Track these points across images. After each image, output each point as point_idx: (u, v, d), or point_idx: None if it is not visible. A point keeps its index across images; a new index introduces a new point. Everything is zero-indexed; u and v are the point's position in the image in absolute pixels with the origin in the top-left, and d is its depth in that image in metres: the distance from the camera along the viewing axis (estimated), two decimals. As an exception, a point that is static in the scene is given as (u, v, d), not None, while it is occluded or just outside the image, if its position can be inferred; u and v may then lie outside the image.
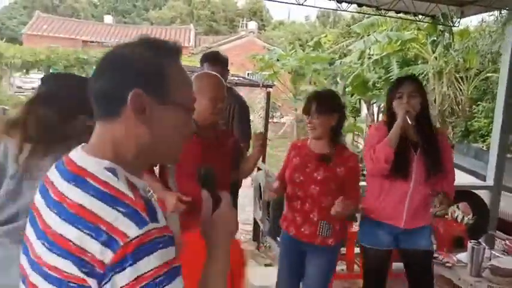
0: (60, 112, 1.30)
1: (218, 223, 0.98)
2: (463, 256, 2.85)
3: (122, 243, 0.74)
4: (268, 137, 7.26)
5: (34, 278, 0.83)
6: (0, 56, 15.58)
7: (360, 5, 5.33)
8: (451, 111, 9.06)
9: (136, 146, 0.87)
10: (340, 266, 3.91)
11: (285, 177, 2.50)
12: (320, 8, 5.94)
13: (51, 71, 16.81)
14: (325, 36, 13.78)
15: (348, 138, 11.09)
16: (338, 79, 10.44)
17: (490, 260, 2.81)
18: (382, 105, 10.34)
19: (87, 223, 0.76)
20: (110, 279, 0.74)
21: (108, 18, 30.70)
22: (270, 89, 6.55)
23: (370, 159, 2.32)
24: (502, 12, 6.18)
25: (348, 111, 10.22)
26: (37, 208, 0.88)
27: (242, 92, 6.78)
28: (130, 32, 27.22)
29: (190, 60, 18.34)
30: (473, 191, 4.92)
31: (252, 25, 27.78)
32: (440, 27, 6.34)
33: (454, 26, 5.64)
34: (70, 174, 0.84)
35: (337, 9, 5.26)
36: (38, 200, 0.88)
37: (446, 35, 7.17)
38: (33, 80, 20.17)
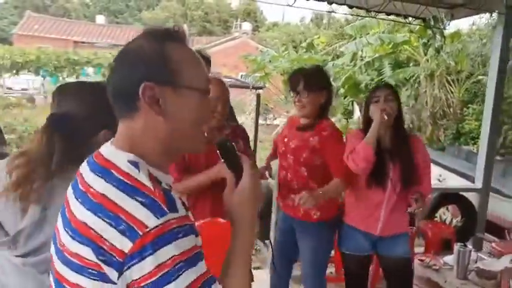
0: (78, 134, 1.19)
1: (237, 200, 0.95)
2: (449, 259, 2.85)
3: (140, 233, 0.75)
4: (260, 139, 7.23)
5: (58, 265, 0.86)
6: (-11, 57, 15.41)
7: (350, 6, 5.31)
8: (442, 114, 9.10)
9: (156, 138, 0.88)
10: (329, 269, 3.89)
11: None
12: (310, 9, 5.95)
13: (41, 72, 16.74)
14: (318, 37, 13.79)
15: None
16: (331, 80, 10.45)
17: (476, 262, 2.80)
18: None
19: (107, 212, 0.78)
20: (129, 268, 0.76)
21: (101, 19, 30.54)
22: (260, 91, 6.50)
23: (351, 160, 2.28)
24: (493, 15, 6.22)
25: (340, 113, 10.23)
26: (67, 199, 0.90)
27: (233, 93, 6.74)
28: (122, 32, 27.07)
29: (182, 61, 18.30)
30: (463, 193, 4.93)
31: (246, 26, 27.81)
32: (430, 30, 6.35)
33: (443, 29, 5.66)
34: (97, 165, 0.87)
35: (328, 11, 5.28)
36: (69, 191, 0.91)
37: (438, 37, 7.19)
38: (23, 81, 20.11)
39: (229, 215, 0.96)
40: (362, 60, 9.55)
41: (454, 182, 6.27)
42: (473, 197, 4.54)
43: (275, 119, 16.93)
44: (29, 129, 9.14)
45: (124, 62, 0.89)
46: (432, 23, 5.58)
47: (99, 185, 0.83)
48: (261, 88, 6.54)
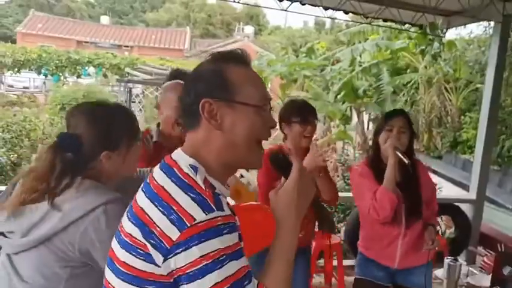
0: (81, 155, 1.28)
1: (281, 200, 1.00)
2: (440, 272, 2.79)
3: (188, 225, 0.84)
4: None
5: (115, 245, 0.97)
6: (-9, 54, 15.45)
7: (346, 12, 5.26)
8: (438, 121, 9.04)
9: (215, 150, 0.98)
10: (318, 279, 3.82)
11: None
12: (305, 14, 5.92)
13: (42, 70, 16.80)
14: (319, 42, 13.75)
15: (338, 146, 11.04)
16: (329, 85, 10.40)
17: (468, 276, 2.74)
18: (373, 113, 10.31)
19: (162, 201, 0.89)
20: (175, 255, 0.84)
21: (105, 19, 30.68)
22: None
23: (374, 210, 2.19)
24: (491, 23, 6.17)
25: (338, 119, 10.16)
26: (136, 194, 1.00)
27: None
28: (125, 33, 27.13)
29: (183, 64, 18.29)
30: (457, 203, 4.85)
31: (249, 29, 27.81)
32: (429, 36, 6.30)
33: (440, 36, 5.61)
34: (164, 164, 0.99)
35: (326, 17, 5.22)
36: (140, 188, 1.01)
37: (436, 44, 7.15)
38: (25, 79, 20.17)
39: (274, 215, 1.01)
40: (360, 65, 9.50)
41: (450, 191, 6.20)
42: (467, 208, 4.47)
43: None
44: (27, 127, 9.09)
45: (189, 81, 1.01)
46: (429, 30, 5.54)
47: (161, 178, 0.94)
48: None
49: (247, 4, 5.41)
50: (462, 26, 6.77)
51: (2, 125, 8.74)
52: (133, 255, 0.90)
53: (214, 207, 0.88)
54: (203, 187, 0.91)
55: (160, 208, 0.89)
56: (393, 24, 5.96)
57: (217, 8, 36.33)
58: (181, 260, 0.84)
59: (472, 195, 4.38)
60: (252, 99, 0.98)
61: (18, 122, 9.03)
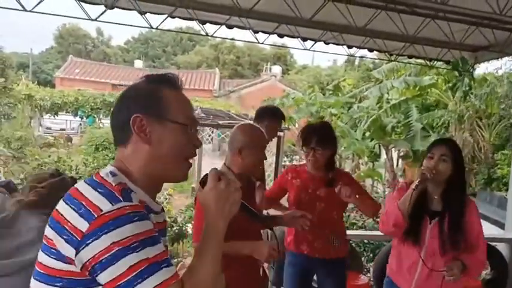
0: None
1: (203, 198, 1.07)
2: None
3: (96, 215, 0.90)
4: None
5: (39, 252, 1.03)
6: (31, 98, 16.31)
7: (370, 50, 5.34)
8: (471, 158, 8.78)
9: (142, 160, 1.05)
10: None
11: (290, 200, 2.74)
12: (329, 53, 6.03)
13: (78, 113, 17.56)
14: (344, 80, 13.83)
15: (367, 183, 10.83)
16: (357, 123, 10.36)
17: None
18: (402, 150, 10.13)
19: (74, 200, 0.97)
20: (86, 245, 0.89)
21: (138, 63, 31.99)
22: (281, 133, 6.53)
23: (380, 222, 2.30)
24: (520, 58, 6.07)
25: (366, 156, 10.04)
26: None
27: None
28: (157, 75, 28.17)
29: (211, 103, 18.71)
30: (493, 243, 4.62)
31: (276, 69, 28.29)
32: (458, 72, 6.24)
33: (467, 72, 5.55)
34: (90, 177, 1.05)
35: (345, 55, 5.30)
36: None
37: (466, 80, 7.07)
38: (62, 121, 21.09)
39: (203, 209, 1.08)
40: (388, 102, 9.44)
41: (486, 230, 5.92)
42: (504, 247, 4.26)
43: (302, 160, 16.81)
44: (61, 168, 9.41)
45: (122, 98, 1.09)
46: (460, 65, 5.49)
47: (79, 184, 1.03)
48: (281, 131, 6.63)
49: (274, 45, 5.57)
50: (489, 61, 6.70)
51: (37, 164, 9.12)
52: (47, 254, 0.96)
53: (121, 198, 0.94)
54: (113, 184, 0.97)
55: (72, 205, 0.95)
56: (423, 61, 5.98)
57: (245, 49, 37.34)
58: (92, 249, 0.89)
59: (509, 234, 4.19)
60: (180, 119, 1.06)
61: (52, 162, 9.40)
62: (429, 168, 2.19)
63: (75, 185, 1.03)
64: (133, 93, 1.08)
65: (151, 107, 1.05)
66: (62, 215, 0.96)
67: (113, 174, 1.02)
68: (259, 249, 2.03)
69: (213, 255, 1.00)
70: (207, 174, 1.09)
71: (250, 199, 2.24)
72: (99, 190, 0.96)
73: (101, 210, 0.91)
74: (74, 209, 0.94)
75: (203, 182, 1.09)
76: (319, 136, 2.61)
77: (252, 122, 2.76)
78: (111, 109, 1.11)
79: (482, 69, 8.73)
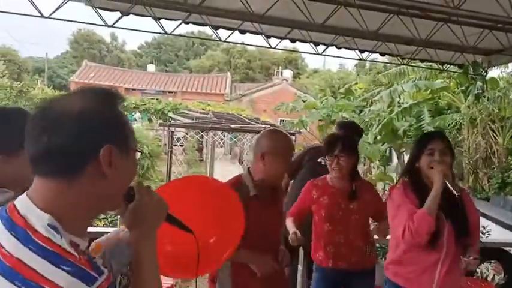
0: None
1: (129, 217, 0.99)
2: (487, 321, 2.62)
3: None
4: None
5: None
6: (46, 102, 16.51)
7: (382, 54, 5.33)
8: (484, 162, 8.68)
9: (89, 202, 0.84)
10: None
11: (320, 217, 2.70)
12: (341, 57, 6.03)
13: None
14: (356, 83, 13.81)
15: (379, 186, 10.77)
16: (368, 126, 10.33)
17: (518, 326, 2.56)
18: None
19: (26, 280, 0.71)
20: None
21: (151, 67, 32.31)
22: (293, 137, 6.53)
23: (410, 232, 2.08)
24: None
25: (377, 160, 10.00)
26: None
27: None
28: (169, 79, 28.40)
29: (223, 107, 18.83)
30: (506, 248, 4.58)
31: (287, 73, 28.32)
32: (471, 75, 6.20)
33: (480, 75, 5.52)
34: (12, 223, 0.78)
35: (358, 59, 5.31)
36: None
37: (479, 83, 7.01)
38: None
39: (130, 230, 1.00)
40: (400, 106, 9.40)
41: (499, 234, 5.86)
42: (518, 253, 4.21)
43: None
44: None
45: (76, 121, 0.81)
46: (472, 69, 5.46)
47: (13, 247, 0.75)
48: (293, 134, 6.64)
49: (285, 50, 5.59)
50: (504, 65, 6.65)
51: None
52: None
53: (96, 274, 0.78)
54: (75, 254, 0.77)
55: None
56: (434, 65, 5.95)
57: (257, 53, 37.46)
58: None
59: (523, 238, 4.14)
60: (134, 144, 0.92)
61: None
62: (440, 163, 2.12)
63: (10, 250, 0.74)
64: (91, 117, 0.83)
65: (119, 136, 0.87)
66: None
67: (54, 228, 0.77)
68: (258, 264, 2.08)
69: (154, 273, 0.98)
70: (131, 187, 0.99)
71: (272, 208, 2.17)
72: (65, 268, 0.74)
73: None
74: None
75: (130, 196, 0.99)
76: (343, 143, 2.61)
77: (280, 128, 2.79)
78: (36, 127, 0.83)
79: (496, 72, 8.61)
